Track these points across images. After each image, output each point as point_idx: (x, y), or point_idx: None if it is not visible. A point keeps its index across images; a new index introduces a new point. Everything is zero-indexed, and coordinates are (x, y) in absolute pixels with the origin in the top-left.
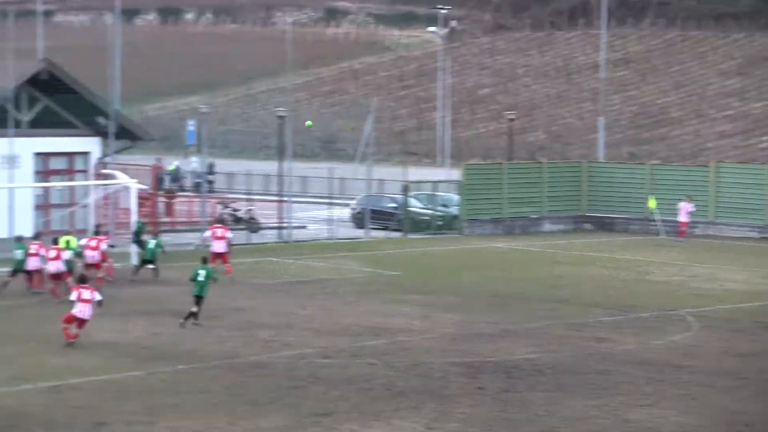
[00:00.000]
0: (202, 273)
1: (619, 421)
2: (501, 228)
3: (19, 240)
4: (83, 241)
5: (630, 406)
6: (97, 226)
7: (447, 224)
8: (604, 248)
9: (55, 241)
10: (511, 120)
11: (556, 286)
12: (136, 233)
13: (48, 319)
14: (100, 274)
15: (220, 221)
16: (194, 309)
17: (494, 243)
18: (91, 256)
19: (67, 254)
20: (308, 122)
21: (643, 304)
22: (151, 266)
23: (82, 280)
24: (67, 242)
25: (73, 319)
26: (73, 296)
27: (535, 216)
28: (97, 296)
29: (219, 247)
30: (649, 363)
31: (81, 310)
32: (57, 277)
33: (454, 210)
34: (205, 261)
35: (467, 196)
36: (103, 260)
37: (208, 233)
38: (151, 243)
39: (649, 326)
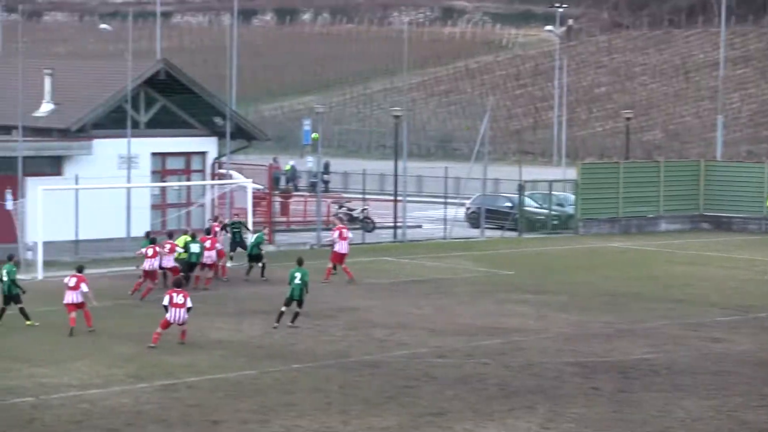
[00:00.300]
0: (297, 276)
1: (736, 422)
2: (617, 227)
3: (193, 237)
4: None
5: (746, 408)
6: (214, 218)
7: (562, 224)
8: (721, 248)
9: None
10: (628, 119)
11: (673, 285)
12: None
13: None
14: (209, 274)
15: (340, 220)
16: (283, 309)
17: (610, 242)
18: (208, 256)
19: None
20: (314, 134)
21: (760, 304)
22: (257, 263)
23: (177, 284)
24: (186, 242)
25: (168, 326)
26: (165, 300)
27: (651, 215)
28: (189, 302)
29: (343, 247)
30: (767, 364)
31: (173, 315)
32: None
33: (569, 209)
34: (300, 263)
35: (583, 196)
36: (220, 257)
37: (335, 234)
38: (251, 238)
39: (766, 326)
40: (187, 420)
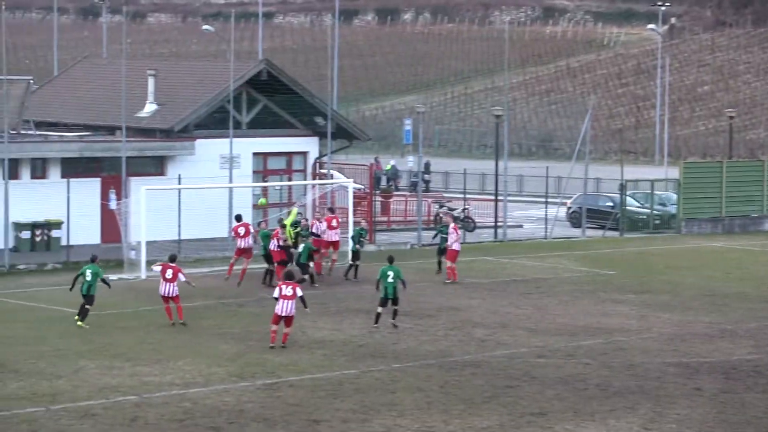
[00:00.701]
0: (390, 274)
1: None
2: (720, 227)
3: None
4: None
5: None
6: (330, 209)
7: (664, 223)
8: None
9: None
10: (731, 117)
11: None
12: (353, 238)
13: (268, 317)
14: (335, 256)
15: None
16: (379, 310)
17: (713, 242)
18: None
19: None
20: (261, 200)
21: None
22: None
23: (289, 277)
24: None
25: (278, 319)
26: (276, 293)
27: (755, 215)
28: (299, 292)
29: (458, 245)
30: None
31: (282, 307)
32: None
33: (671, 209)
34: (391, 261)
35: (686, 195)
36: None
37: (454, 233)
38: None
39: None
40: (288, 419)
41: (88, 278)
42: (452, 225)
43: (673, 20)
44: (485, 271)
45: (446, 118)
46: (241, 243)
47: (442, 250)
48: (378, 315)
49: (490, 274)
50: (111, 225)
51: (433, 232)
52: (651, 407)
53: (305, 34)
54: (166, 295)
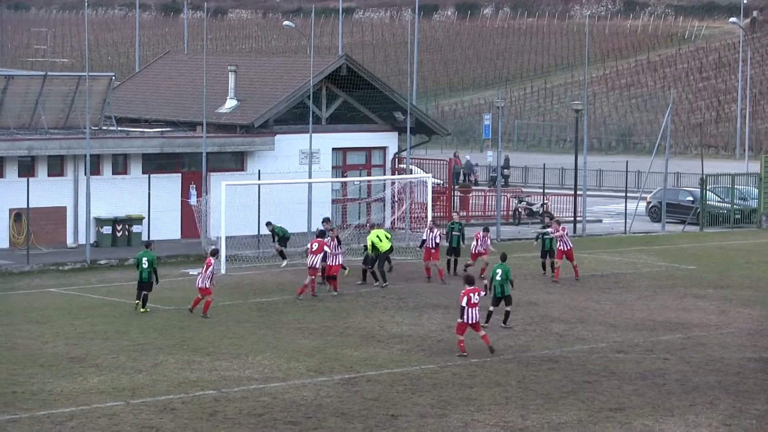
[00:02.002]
0: (499, 272)
1: None
2: None
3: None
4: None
5: None
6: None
7: (745, 218)
8: None
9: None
10: None
11: None
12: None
13: (347, 312)
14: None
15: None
16: (491, 308)
17: None
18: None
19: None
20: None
21: None
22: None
23: (469, 282)
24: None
25: (465, 328)
26: (464, 302)
27: None
28: (480, 295)
29: (563, 244)
30: None
31: (470, 316)
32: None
33: (752, 203)
34: (503, 258)
35: (767, 189)
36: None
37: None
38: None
39: None
40: (366, 414)
41: (144, 265)
42: (554, 227)
43: (754, 13)
44: (564, 266)
45: (525, 112)
46: (311, 260)
47: (545, 253)
48: (489, 314)
49: (568, 269)
50: (191, 220)
51: (534, 236)
52: (731, 403)
53: (385, 30)
54: (311, 266)
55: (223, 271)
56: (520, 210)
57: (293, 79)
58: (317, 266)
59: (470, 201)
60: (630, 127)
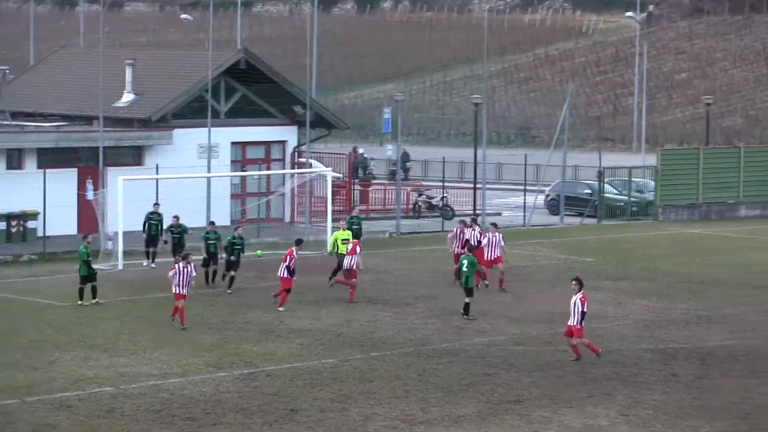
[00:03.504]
0: (465, 263)
1: None
2: (696, 214)
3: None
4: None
5: None
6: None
7: (642, 210)
8: None
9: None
10: (709, 105)
11: (753, 272)
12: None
13: (246, 307)
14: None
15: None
16: (467, 300)
17: (689, 229)
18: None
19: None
20: (258, 251)
21: None
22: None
23: (581, 283)
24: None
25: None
26: (585, 307)
27: (731, 201)
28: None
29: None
30: None
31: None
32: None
33: (649, 196)
34: (470, 249)
35: (663, 182)
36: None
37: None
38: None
39: None
40: (266, 408)
41: (85, 258)
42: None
43: (651, 8)
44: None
45: (425, 106)
46: (348, 261)
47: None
48: (466, 305)
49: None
50: (88, 215)
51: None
52: (628, 393)
53: (284, 23)
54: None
55: (120, 267)
56: (420, 203)
57: (192, 72)
58: (354, 267)
59: (370, 195)
60: (529, 120)
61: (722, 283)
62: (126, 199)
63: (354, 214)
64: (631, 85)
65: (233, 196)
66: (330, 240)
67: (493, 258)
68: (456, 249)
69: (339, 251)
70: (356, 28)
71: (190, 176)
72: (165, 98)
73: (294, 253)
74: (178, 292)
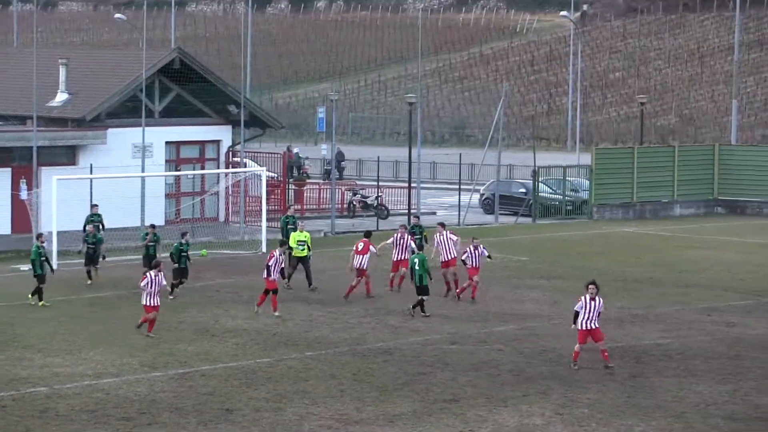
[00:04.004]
0: (416, 261)
1: (750, 406)
2: (631, 212)
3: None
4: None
5: (761, 392)
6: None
7: (577, 209)
8: (735, 232)
9: None
10: (643, 104)
11: (687, 270)
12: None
13: (181, 307)
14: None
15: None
16: (419, 298)
17: (624, 228)
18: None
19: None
20: (203, 251)
21: None
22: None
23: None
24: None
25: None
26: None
27: (666, 200)
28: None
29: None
30: None
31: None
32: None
33: (583, 195)
34: (420, 248)
35: (597, 181)
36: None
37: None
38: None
39: None
40: (201, 408)
41: (40, 258)
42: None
43: (584, 7)
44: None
45: (359, 105)
46: (358, 260)
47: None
48: (419, 302)
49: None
50: (22, 215)
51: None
52: (563, 392)
53: (218, 23)
54: (358, 267)
55: (54, 266)
56: (354, 203)
57: (126, 72)
58: (365, 267)
59: (305, 194)
60: (463, 119)
61: (657, 282)
62: (60, 199)
63: (289, 213)
64: (566, 84)
65: (168, 195)
66: (290, 241)
67: (449, 259)
68: (397, 255)
69: (294, 253)
70: (290, 27)
71: (124, 176)
72: (99, 98)
73: (276, 254)
74: (147, 303)
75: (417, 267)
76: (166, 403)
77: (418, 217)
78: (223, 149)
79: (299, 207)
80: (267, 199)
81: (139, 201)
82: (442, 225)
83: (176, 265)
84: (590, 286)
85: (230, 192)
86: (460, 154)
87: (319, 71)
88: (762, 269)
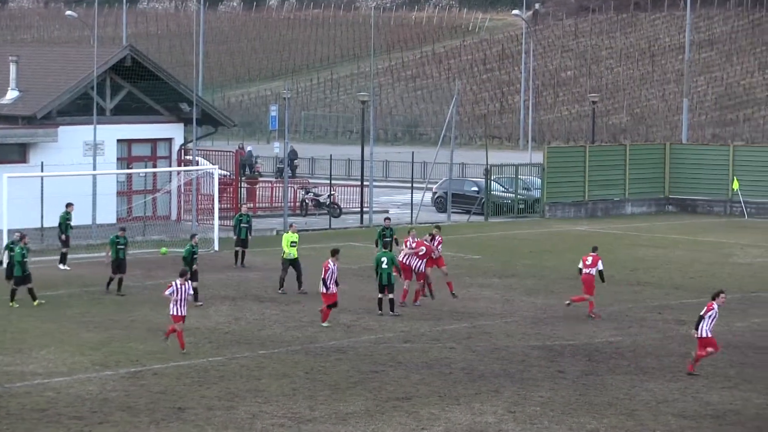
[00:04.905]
0: (384, 260)
1: (701, 403)
2: (583, 211)
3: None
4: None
5: (712, 389)
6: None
7: (529, 208)
8: (686, 230)
9: None
10: (594, 102)
11: (638, 268)
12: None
13: (132, 306)
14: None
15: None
16: (380, 296)
17: (576, 226)
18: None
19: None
20: (163, 249)
21: (725, 286)
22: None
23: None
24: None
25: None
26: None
27: (617, 199)
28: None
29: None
30: (732, 345)
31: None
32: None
33: (535, 193)
34: (386, 246)
35: (549, 180)
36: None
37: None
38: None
39: (732, 308)
40: (153, 407)
41: (22, 258)
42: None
43: (536, 6)
44: (353, 257)
45: (312, 104)
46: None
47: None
48: (380, 300)
49: (357, 260)
50: None
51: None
52: (515, 390)
53: (170, 20)
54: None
55: (4, 265)
56: (307, 201)
57: (77, 69)
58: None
59: (257, 192)
60: (416, 118)
61: (608, 280)
62: (10, 197)
63: (242, 211)
64: (518, 83)
65: (119, 193)
66: (282, 243)
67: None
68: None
69: (285, 255)
70: (242, 25)
71: (75, 174)
72: (50, 95)
73: (330, 265)
74: (175, 313)
75: (385, 265)
76: (118, 401)
77: (389, 219)
78: (175, 147)
79: (251, 205)
80: (219, 198)
81: (90, 199)
82: (438, 228)
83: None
84: (722, 295)
85: (182, 190)
86: (413, 153)
87: (272, 69)
88: (712, 267)
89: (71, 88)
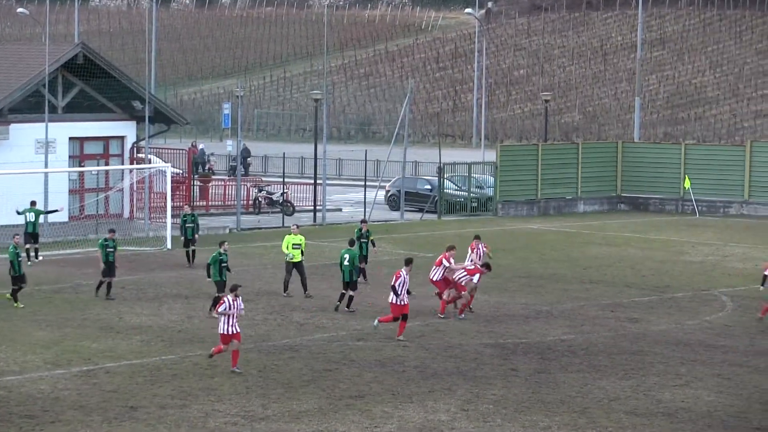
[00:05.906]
0: (346, 257)
1: (652, 401)
2: (535, 209)
3: None
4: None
5: (663, 387)
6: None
7: (482, 206)
8: (638, 229)
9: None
10: (547, 101)
11: (590, 267)
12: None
13: (85, 304)
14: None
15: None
16: (343, 291)
17: (529, 224)
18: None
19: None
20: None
21: (676, 284)
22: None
23: None
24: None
25: None
26: None
27: (569, 197)
28: None
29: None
30: (683, 343)
31: None
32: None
33: (488, 191)
34: (351, 244)
35: (502, 178)
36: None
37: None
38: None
39: (683, 306)
40: (105, 406)
41: (20, 258)
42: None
43: (489, 4)
44: (306, 255)
45: (265, 102)
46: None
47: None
48: (342, 295)
49: (311, 258)
50: None
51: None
52: (468, 388)
53: (122, 18)
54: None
55: None
56: (260, 199)
57: (28, 67)
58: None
59: (210, 190)
60: (369, 116)
61: (560, 278)
62: None
63: (186, 212)
64: (471, 81)
65: (71, 191)
66: (282, 245)
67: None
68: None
69: (288, 258)
70: (195, 23)
71: (27, 171)
72: (1, 93)
73: (402, 274)
74: (225, 332)
75: (347, 262)
76: (70, 400)
77: (365, 222)
78: (128, 145)
79: (204, 203)
80: (172, 196)
81: (42, 197)
82: (478, 238)
83: (210, 279)
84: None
85: (135, 188)
86: (366, 151)
87: (225, 67)
88: (664, 265)
89: (23, 86)
